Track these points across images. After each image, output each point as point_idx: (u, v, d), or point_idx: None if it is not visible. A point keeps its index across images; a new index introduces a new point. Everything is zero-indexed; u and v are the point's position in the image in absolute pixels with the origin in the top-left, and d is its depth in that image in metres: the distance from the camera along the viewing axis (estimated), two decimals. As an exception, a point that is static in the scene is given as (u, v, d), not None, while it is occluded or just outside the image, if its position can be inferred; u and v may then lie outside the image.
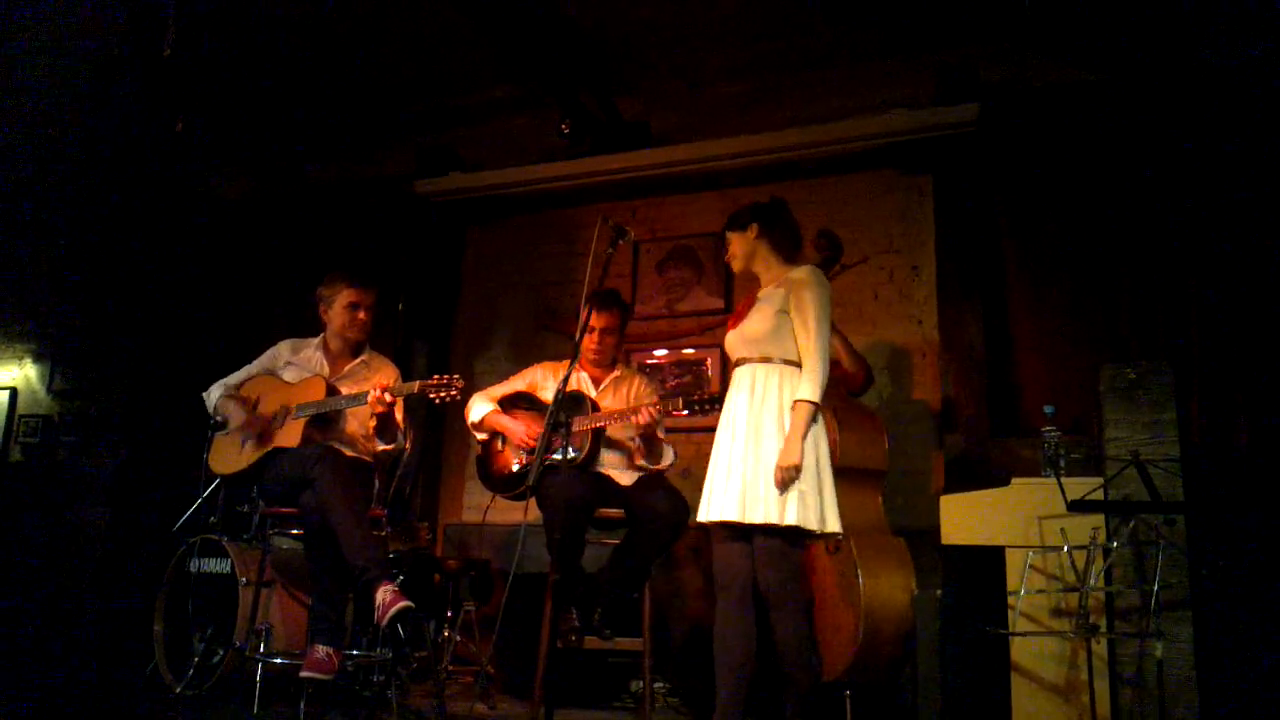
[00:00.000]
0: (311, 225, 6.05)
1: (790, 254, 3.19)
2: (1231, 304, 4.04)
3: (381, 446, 3.64)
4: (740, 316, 3.17)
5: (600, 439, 3.71)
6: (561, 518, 3.42)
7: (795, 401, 2.90)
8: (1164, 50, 4.27)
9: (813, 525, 2.88)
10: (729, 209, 5.17)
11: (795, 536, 2.92)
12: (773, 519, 2.86)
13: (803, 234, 3.30)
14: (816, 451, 2.94)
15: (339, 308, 3.74)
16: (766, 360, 3.02)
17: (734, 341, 3.14)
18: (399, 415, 3.63)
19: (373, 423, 3.57)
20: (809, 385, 2.89)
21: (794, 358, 2.99)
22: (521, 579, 3.53)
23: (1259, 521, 3.51)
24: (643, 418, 3.54)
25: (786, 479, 2.85)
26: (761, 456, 2.92)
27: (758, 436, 2.94)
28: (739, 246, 3.21)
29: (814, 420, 2.92)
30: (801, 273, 3.08)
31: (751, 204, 3.26)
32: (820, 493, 2.91)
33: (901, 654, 3.72)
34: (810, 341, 2.94)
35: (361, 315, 3.74)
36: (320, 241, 5.91)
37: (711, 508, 2.99)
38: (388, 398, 3.43)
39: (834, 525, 2.93)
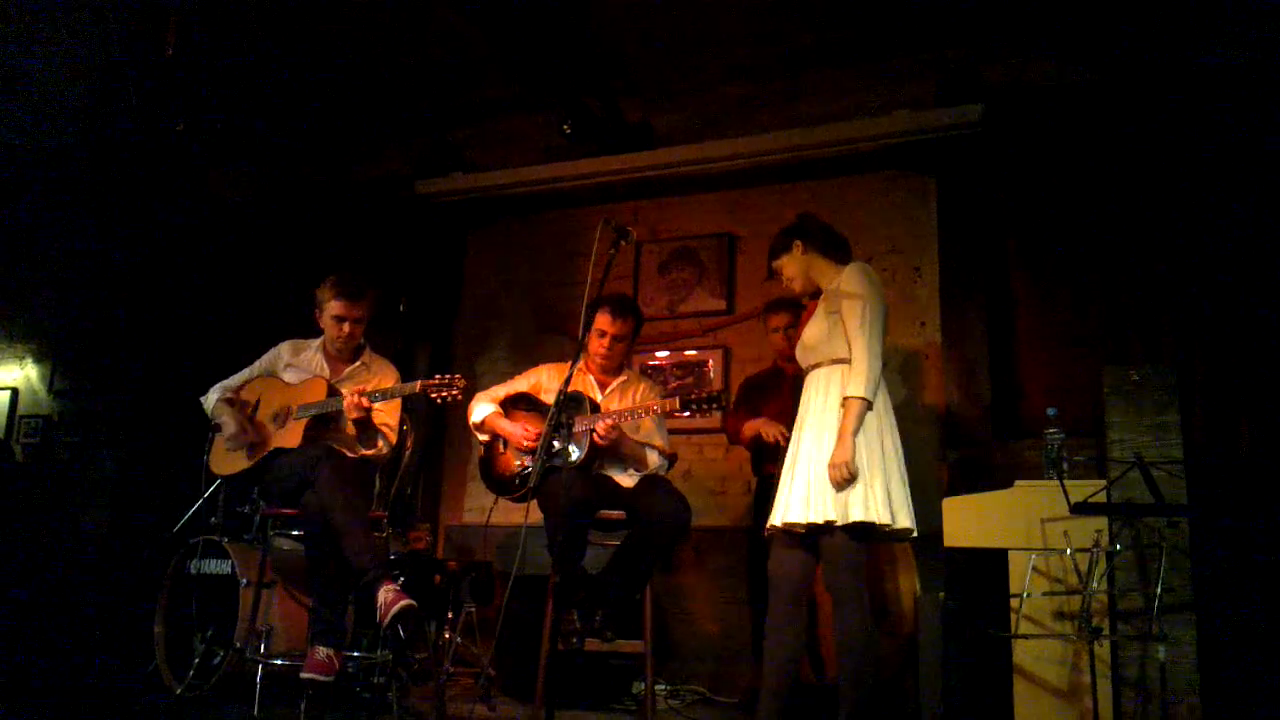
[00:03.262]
0: (312, 226, 6.05)
1: (841, 256, 3.16)
2: (1235, 305, 4.03)
3: (361, 451, 3.63)
4: (803, 325, 3.19)
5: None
6: (563, 519, 3.41)
7: (845, 398, 2.89)
8: (1167, 50, 4.26)
9: (882, 519, 2.84)
10: (731, 210, 5.27)
11: (860, 533, 2.88)
12: (833, 516, 2.84)
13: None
14: (883, 446, 2.91)
15: (327, 317, 3.72)
16: (824, 364, 3.03)
17: (798, 351, 3.16)
18: (381, 420, 3.61)
19: (352, 429, 3.55)
20: (858, 381, 2.87)
21: (849, 357, 2.96)
22: (522, 580, 3.52)
23: (1262, 524, 3.50)
24: (597, 435, 3.54)
25: (839, 476, 2.83)
26: (820, 457, 2.91)
27: (818, 438, 2.94)
28: (792, 268, 3.18)
29: (865, 415, 2.87)
30: (848, 271, 3.08)
31: (782, 229, 3.24)
32: (889, 487, 2.87)
33: (905, 656, 3.72)
34: (857, 338, 2.91)
35: (346, 328, 3.69)
36: (321, 242, 5.90)
37: (777, 512, 2.99)
38: (365, 402, 3.42)
39: (904, 521, 2.88)
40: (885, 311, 3.02)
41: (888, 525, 2.85)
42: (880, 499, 2.85)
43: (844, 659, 2.91)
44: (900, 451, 2.99)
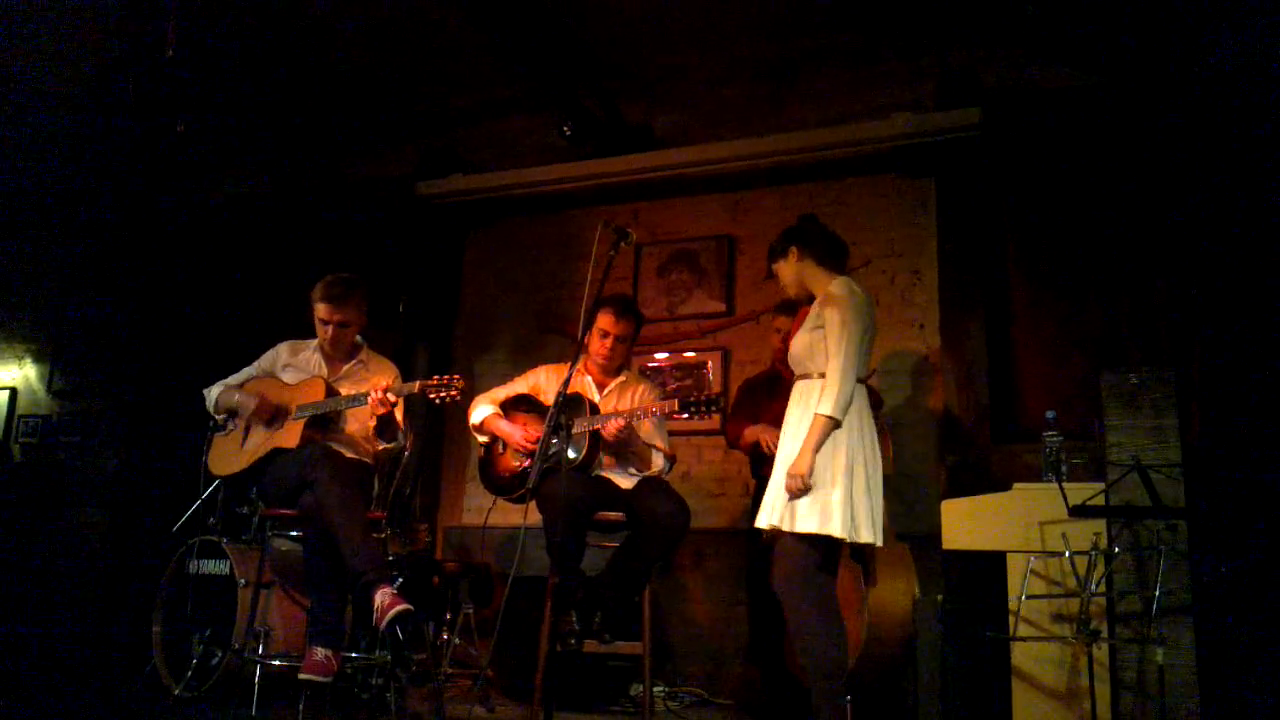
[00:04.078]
0: (312, 226, 6.05)
1: (835, 264, 3.18)
2: (1233, 308, 4.04)
3: (382, 445, 3.63)
4: (796, 331, 3.21)
5: (599, 442, 3.70)
6: (561, 520, 3.41)
7: (815, 415, 2.92)
8: (1165, 54, 4.27)
9: (838, 534, 2.86)
10: (731, 212, 5.28)
11: (811, 541, 2.91)
12: (778, 522, 2.89)
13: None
14: (849, 460, 2.92)
15: (315, 319, 3.72)
16: (808, 376, 3.06)
17: (789, 359, 3.18)
18: (399, 415, 3.62)
19: (373, 422, 3.56)
20: (828, 400, 2.90)
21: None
22: (521, 582, 3.52)
23: (1260, 527, 3.50)
24: (607, 433, 3.55)
25: (794, 487, 2.88)
26: (786, 466, 2.96)
27: (791, 449, 2.98)
28: (787, 273, 3.21)
29: (829, 432, 2.90)
30: (832, 286, 3.09)
31: (782, 232, 3.26)
32: (851, 501, 2.89)
33: (903, 658, 3.72)
34: (834, 356, 2.94)
35: (330, 331, 3.68)
36: (321, 243, 5.90)
37: (759, 516, 3.04)
38: (390, 397, 3.42)
39: (867, 536, 2.91)
40: (869, 328, 3.04)
41: (844, 539, 2.90)
42: (839, 512, 2.87)
43: (802, 661, 2.95)
44: (874, 465, 3.01)
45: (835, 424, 2.91)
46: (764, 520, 2.96)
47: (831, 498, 2.88)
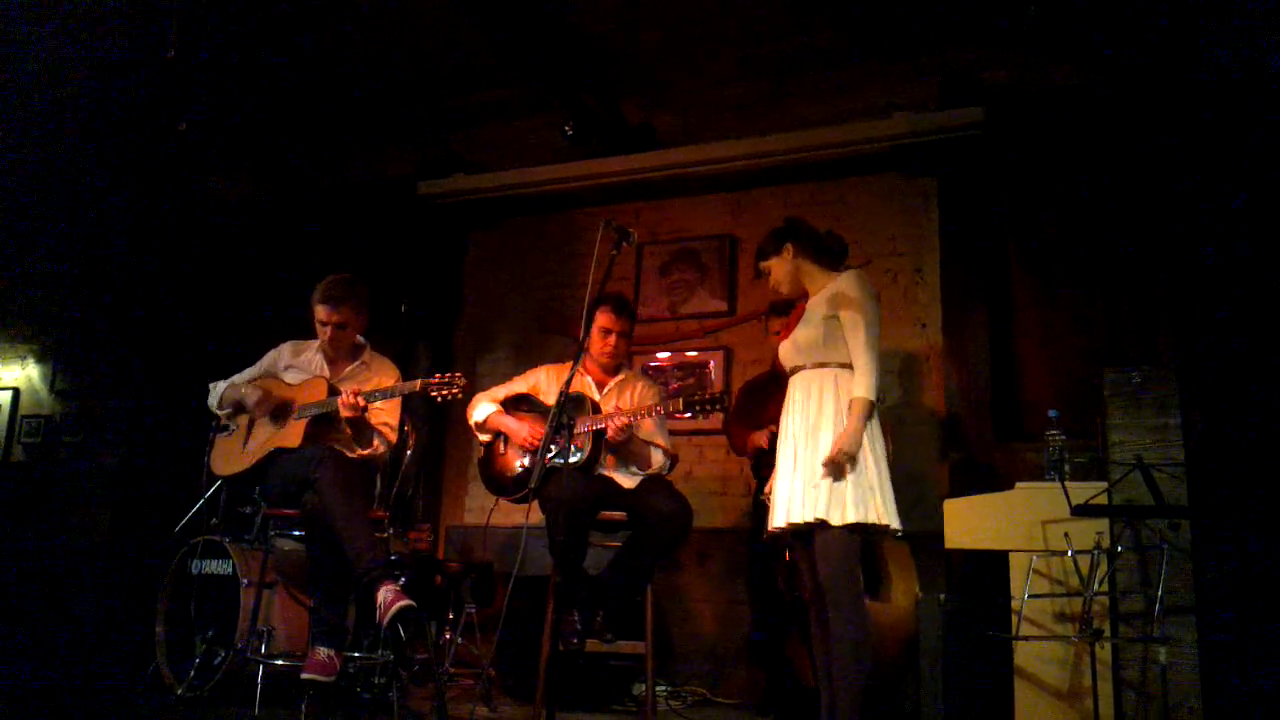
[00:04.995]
0: (313, 227, 6.05)
1: (830, 261, 3.20)
2: (1235, 307, 4.03)
3: (358, 451, 3.61)
4: (791, 327, 3.20)
5: (602, 441, 3.70)
6: (564, 519, 3.41)
7: (852, 399, 2.93)
8: (1167, 55, 4.27)
9: (883, 520, 2.89)
10: (732, 211, 5.27)
11: (855, 530, 2.91)
12: (834, 515, 2.87)
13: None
14: (875, 450, 2.95)
15: (315, 320, 3.72)
16: (820, 366, 3.05)
17: (787, 351, 3.16)
18: (380, 420, 3.62)
19: (348, 429, 3.53)
20: (863, 383, 2.93)
21: (846, 360, 3.01)
22: (523, 581, 3.51)
23: (1263, 526, 3.50)
24: (611, 431, 3.55)
25: (838, 461, 2.86)
26: (820, 455, 2.93)
27: (815, 437, 2.97)
28: (780, 271, 3.21)
29: (870, 417, 2.94)
30: (846, 278, 3.11)
31: (772, 231, 3.26)
32: (881, 489, 2.92)
33: (905, 658, 3.72)
34: (861, 344, 2.96)
35: (328, 332, 3.68)
36: (322, 243, 5.90)
37: (777, 514, 3.01)
38: (360, 402, 3.42)
39: (896, 522, 2.93)
40: (879, 318, 3.07)
41: (887, 525, 2.90)
42: (876, 501, 2.89)
43: (833, 663, 2.90)
44: (885, 458, 3.02)
45: (873, 407, 2.94)
46: (800, 515, 2.90)
47: (875, 485, 2.90)
